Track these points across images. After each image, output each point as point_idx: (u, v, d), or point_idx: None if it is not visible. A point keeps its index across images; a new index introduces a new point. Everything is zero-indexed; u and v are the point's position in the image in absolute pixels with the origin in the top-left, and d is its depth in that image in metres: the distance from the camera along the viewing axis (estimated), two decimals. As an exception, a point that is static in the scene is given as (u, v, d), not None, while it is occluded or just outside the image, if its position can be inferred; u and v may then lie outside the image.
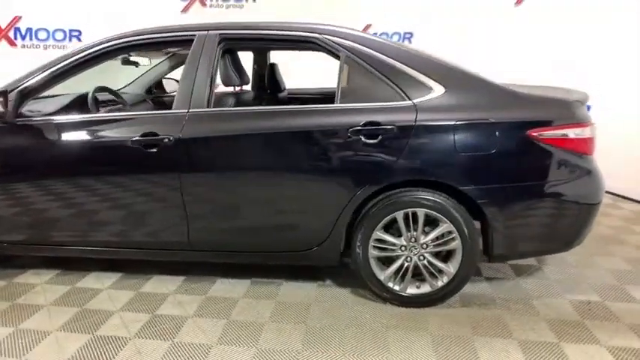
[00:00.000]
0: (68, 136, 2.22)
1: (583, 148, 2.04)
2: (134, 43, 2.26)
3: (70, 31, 5.21)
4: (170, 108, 2.16)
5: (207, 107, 2.15)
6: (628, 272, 2.62)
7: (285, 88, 3.22)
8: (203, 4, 5.87)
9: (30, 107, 2.37)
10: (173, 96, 3.28)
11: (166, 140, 2.10)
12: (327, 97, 3.44)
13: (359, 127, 2.02)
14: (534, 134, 2.00)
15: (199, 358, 1.86)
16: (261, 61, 3.44)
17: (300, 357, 1.86)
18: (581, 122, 2.04)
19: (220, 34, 2.22)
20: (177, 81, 3.89)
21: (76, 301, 2.30)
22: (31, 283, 2.49)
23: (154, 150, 2.11)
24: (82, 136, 2.22)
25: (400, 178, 2.05)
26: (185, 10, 5.86)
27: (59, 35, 5.16)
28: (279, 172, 2.13)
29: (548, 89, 2.28)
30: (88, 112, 2.55)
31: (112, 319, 2.14)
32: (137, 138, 2.11)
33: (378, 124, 2.02)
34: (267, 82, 3.08)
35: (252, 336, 2.00)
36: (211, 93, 2.17)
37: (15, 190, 2.26)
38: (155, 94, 3.67)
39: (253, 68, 3.52)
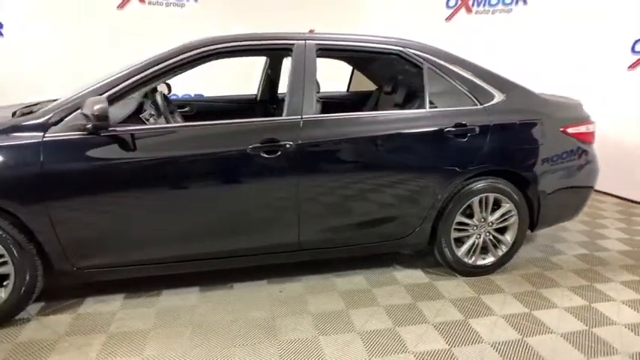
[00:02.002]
0: (172, 147, 2.09)
1: (590, 139, 2.76)
2: (234, 48, 2.24)
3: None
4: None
5: (316, 113, 2.27)
6: (589, 231, 3.52)
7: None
8: (142, 0, 5.44)
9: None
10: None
11: (288, 146, 2.16)
12: (335, 100, 3.72)
13: (451, 128, 2.40)
14: (562, 129, 2.64)
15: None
16: (275, 66, 3.52)
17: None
18: (589, 120, 2.75)
19: (317, 44, 2.35)
20: (168, 85, 3.74)
21: (188, 321, 2.18)
22: (106, 312, 2.24)
23: (274, 156, 2.15)
24: (186, 145, 2.11)
25: (481, 170, 2.48)
26: (121, 6, 5.37)
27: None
28: (386, 170, 2.36)
29: (556, 96, 2.96)
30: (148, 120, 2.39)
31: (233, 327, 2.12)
32: (257, 145, 2.13)
33: (464, 125, 2.42)
34: None
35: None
36: (316, 99, 2.29)
37: (114, 208, 2.04)
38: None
39: (266, 73, 3.58)
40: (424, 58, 2.48)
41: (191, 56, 2.16)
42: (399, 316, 2.26)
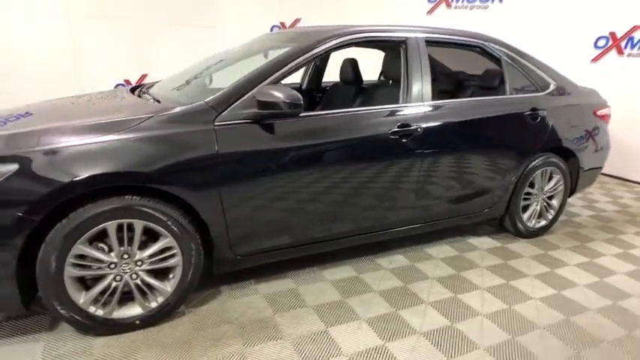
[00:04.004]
0: (332, 131, 2.21)
1: (609, 120, 3.39)
2: (364, 39, 2.39)
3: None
4: None
5: (432, 100, 2.52)
6: (583, 197, 4.25)
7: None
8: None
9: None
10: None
11: (418, 130, 2.39)
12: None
13: (529, 112, 2.82)
14: (594, 112, 3.22)
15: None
16: (325, 56, 3.64)
17: (538, 278, 2.59)
18: (607, 104, 3.37)
19: (424, 37, 2.58)
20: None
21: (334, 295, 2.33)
22: (251, 298, 2.29)
23: (408, 139, 2.37)
24: (343, 130, 2.23)
25: (547, 147, 2.94)
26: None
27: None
28: (486, 149, 2.71)
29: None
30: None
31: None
32: (396, 129, 2.33)
33: (537, 109, 2.85)
34: (352, 76, 3.32)
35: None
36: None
37: (278, 193, 2.09)
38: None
39: (314, 62, 3.69)
40: (501, 51, 2.86)
41: (329, 47, 2.27)
42: (503, 273, 2.64)
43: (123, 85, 5.32)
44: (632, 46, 4.77)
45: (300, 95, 1.95)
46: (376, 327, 2.07)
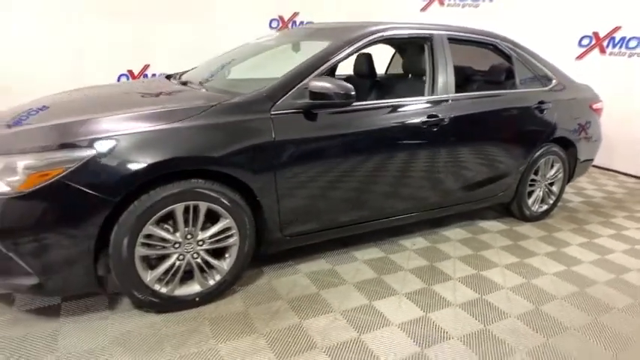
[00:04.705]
0: (376, 120, 2.40)
1: (601, 113, 3.69)
2: (395, 36, 2.56)
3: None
4: None
5: (456, 93, 2.71)
6: (571, 185, 4.57)
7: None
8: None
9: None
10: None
11: (446, 120, 2.58)
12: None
13: (536, 105, 3.06)
14: (589, 105, 3.51)
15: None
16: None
17: (548, 257, 2.84)
18: (600, 99, 3.68)
19: (446, 34, 2.77)
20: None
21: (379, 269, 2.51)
22: (296, 277, 2.43)
23: (436, 129, 2.56)
24: (384, 119, 2.43)
25: (550, 138, 3.20)
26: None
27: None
28: (502, 138, 2.94)
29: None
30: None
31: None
32: (426, 119, 2.51)
33: (544, 102, 3.10)
34: (367, 70, 3.50)
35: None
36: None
37: (328, 176, 2.25)
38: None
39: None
40: (512, 49, 3.09)
41: (366, 42, 2.43)
42: (516, 252, 2.89)
43: (126, 75, 5.29)
44: (614, 46, 5.13)
45: (352, 86, 2.10)
46: (415, 300, 2.26)
